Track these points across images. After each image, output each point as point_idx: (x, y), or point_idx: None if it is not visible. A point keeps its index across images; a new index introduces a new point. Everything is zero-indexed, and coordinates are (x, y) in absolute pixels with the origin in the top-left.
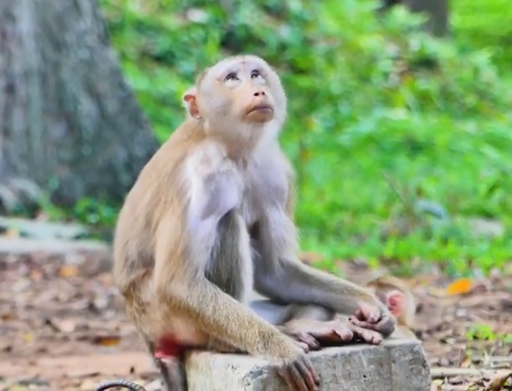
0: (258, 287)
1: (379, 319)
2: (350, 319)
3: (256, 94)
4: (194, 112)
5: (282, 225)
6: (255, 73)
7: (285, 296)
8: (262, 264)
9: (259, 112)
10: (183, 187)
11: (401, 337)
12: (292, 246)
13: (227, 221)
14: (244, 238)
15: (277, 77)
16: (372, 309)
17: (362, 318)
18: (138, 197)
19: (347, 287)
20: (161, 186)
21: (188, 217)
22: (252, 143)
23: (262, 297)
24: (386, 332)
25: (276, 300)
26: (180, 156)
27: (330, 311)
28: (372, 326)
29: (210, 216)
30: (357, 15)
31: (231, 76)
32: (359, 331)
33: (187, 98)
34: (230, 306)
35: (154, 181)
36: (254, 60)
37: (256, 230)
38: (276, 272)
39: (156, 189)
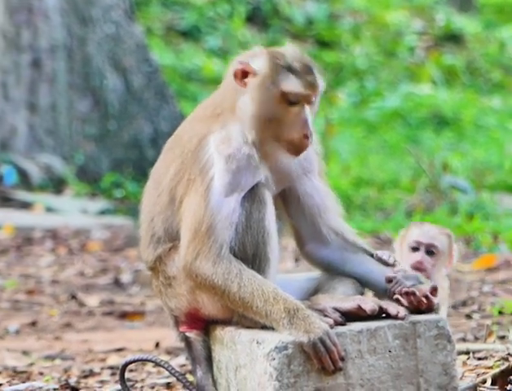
0: (314, 259)
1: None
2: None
3: (305, 137)
4: (241, 81)
5: (317, 192)
6: (313, 99)
7: (346, 268)
8: (312, 235)
9: (297, 151)
10: (205, 166)
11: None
12: (335, 210)
13: (252, 196)
14: (270, 212)
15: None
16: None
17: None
18: (161, 172)
19: None
20: (184, 163)
21: (211, 195)
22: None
23: (294, 272)
24: (431, 308)
25: (332, 272)
26: (204, 133)
27: (359, 287)
28: (427, 296)
29: (233, 193)
30: None
31: (295, 98)
32: (385, 305)
33: (241, 64)
34: (255, 282)
35: (177, 157)
36: (319, 88)
37: (291, 205)
38: (331, 242)
39: (179, 165)
